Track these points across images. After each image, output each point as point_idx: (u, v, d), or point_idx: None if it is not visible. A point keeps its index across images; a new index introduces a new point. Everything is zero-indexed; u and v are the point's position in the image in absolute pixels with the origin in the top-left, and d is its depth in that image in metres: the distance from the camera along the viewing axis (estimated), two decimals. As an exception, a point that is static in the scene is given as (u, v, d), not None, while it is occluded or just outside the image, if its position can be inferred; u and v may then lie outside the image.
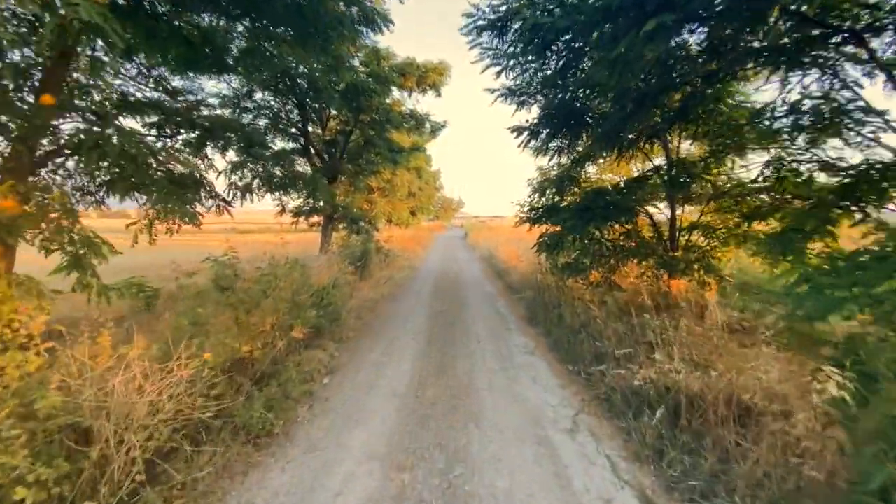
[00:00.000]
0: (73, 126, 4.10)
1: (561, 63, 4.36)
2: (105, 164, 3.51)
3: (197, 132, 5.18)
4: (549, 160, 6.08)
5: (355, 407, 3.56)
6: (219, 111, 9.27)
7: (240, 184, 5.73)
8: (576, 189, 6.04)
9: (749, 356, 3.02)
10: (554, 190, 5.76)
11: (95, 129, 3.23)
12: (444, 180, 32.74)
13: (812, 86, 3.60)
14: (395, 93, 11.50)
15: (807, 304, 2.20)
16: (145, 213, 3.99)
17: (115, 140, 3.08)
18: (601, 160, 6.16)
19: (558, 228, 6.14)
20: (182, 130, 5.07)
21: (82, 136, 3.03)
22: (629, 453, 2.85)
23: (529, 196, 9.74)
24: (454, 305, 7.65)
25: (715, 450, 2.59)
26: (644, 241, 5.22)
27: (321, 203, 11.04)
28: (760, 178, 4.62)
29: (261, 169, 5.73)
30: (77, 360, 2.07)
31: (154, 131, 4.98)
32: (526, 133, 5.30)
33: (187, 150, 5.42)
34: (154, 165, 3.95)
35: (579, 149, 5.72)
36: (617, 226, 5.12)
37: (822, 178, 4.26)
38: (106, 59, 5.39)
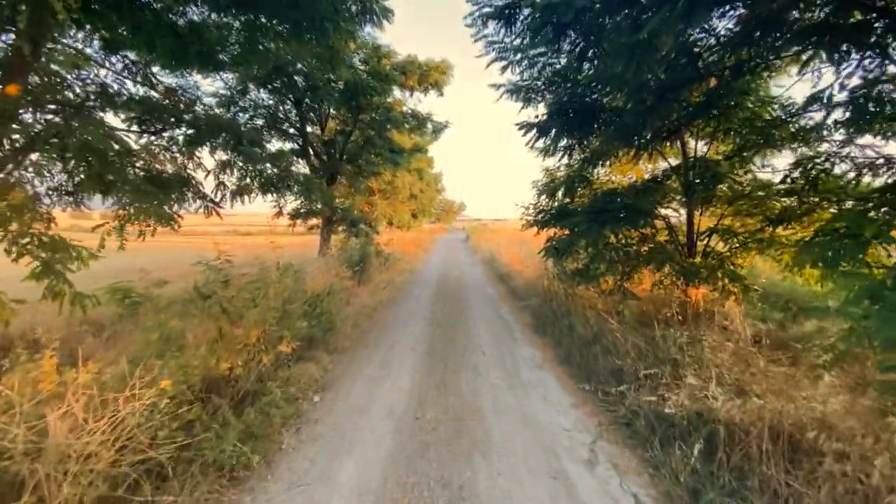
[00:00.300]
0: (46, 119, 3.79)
1: (576, 50, 4.01)
2: (71, 159, 3.17)
3: (183, 129, 4.84)
4: (559, 159, 5.73)
5: (347, 431, 3.20)
6: (216, 111, 9.00)
7: (229, 184, 5.39)
8: (587, 191, 5.68)
9: (798, 382, 2.66)
10: (564, 191, 5.39)
11: (57, 120, 2.90)
12: (446, 183, 32.56)
13: (853, 78, 3.25)
14: (397, 92, 11.20)
15: (879, 326, 1.84)
16: (114, 213, 3.65)
17: (77, 133, 2.75)
18: (613, 160, 5.81)
19: (567, 232, 5.80)
20: (166, 127, 4.73)
21: (42, 130, 2.69)
22: (659, 492, 2.48)
23: (535, 198, 9.45)
24: (456, 311, 7.29)
25: (762, 492, 2.22)
26: (660, 247, 4.86)
27: (319, 205, 10.74)
28: (788, 179, 4.29)
29: (251, 168, 5.39)
30: (3, 393, 1.72)
31: (136, 127, 4.65)
32: (534, 130, 4.95)
33: (175, 147, 5.09)
34: (130, 163, 3.61)
35: (590, 147, 5.37)
36: (634, 230, 4.76)
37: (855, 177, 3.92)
38: (88, 50, 5.06)
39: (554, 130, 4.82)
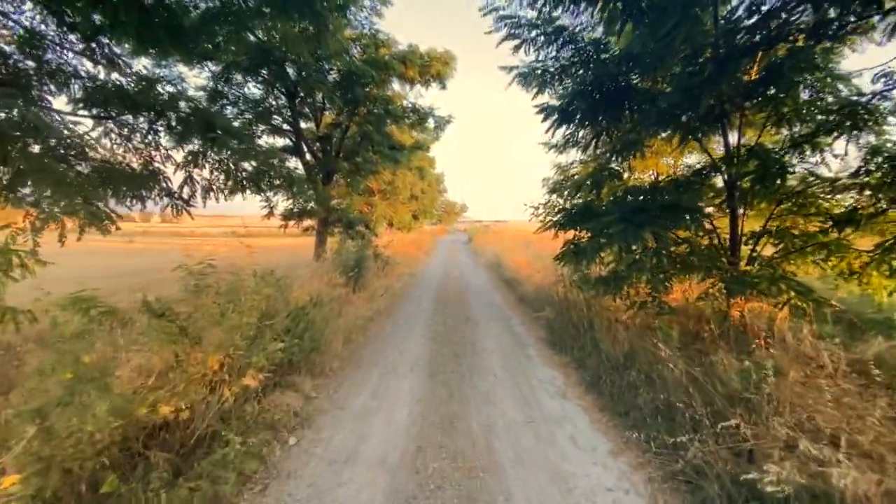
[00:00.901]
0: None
1: (607, 14, 3.29)
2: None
3: (143, 113, 4.14)
4: (583, 150, 5.01)
5: (327, 492, 2.47)
6: (203, 105, 8.32)
7: (199, 179, 4.68)
8: (617, 186, 4.96)
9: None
10: (589, 187, 4.67)
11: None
12: (448, 183, 31.75)
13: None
14: (396, 86, 10.50)
15: None
16: (25, 213, 2.94)
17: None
18: (646, 150, 5.06)
19: (587, 235, 5.08)
20: (125, 114, 4.03)
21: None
22: None
23: (546, 197, 8.70)
24: (460, 322, 6.56)
25: None
26: (706, 251, 4.14)
27: (312, 205, 10.04)
28: (861, 172, 3.58)
29: (227, 160, 4.68)
30: None
31: (88, 111, 3.95)
32: (555, 116, 4.23)
33: (137, 137, 4.39)
34: (65, 151, 2.90)
35: (619, 136, 4.66)
36: (675, 232, 4.04)
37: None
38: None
39: (579, 115, 4.10)
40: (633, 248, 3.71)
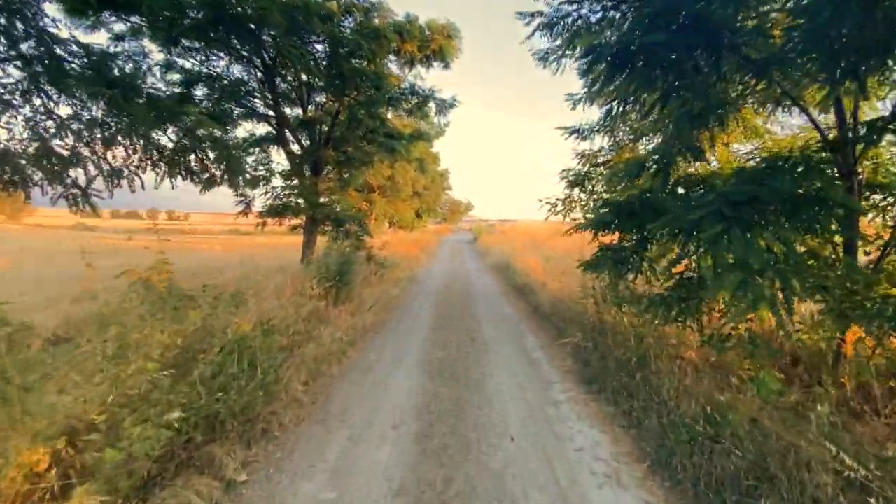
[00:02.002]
0: None
1: None
2: None
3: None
4: (646, 115, 3.68)
5: None
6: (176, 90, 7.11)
7: (111, 160, 3.44)
8: (689, 171, 3.63)
9: None
10: (655, 171, 3.29)
11: None
12: (453, 181, 30.34)
13: None
14: (394, 67, 9.23)
15: None
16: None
17: None
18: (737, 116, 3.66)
19: (634, 237, 3.79)
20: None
21: None
22: None
23: (565, 192, 7.40)
24: (464, 346, 5.26)
25: None
26: (827, 264, 2.81)
27: (297, 200, 8.79)
28: None
29: (133, 129, 3.39)
30: None
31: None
32: (603, 64, 2.89)
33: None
34: None
35: (698, 94, 3.31)
36: (807, 235, 2.69)
37: None
38: None
39: (642, 60, 2.74)
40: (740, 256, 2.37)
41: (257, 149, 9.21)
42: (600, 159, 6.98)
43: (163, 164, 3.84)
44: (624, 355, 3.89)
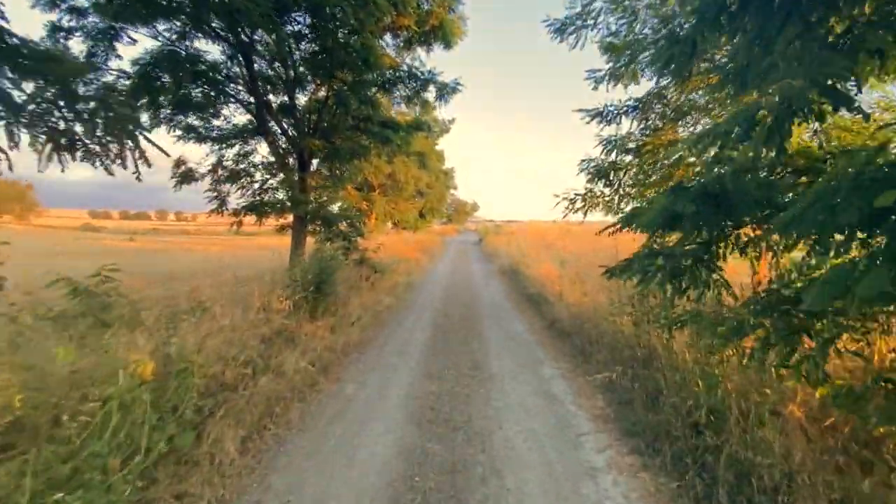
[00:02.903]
0: None
1: None
2: None
3: None
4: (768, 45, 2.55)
5: None
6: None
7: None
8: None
9: None
10: (759, 135, 2.19)
11: None
12: (457, 182, 29.12)
13: None
14: (391, 52, 8.23)
15: None
16: None
17: None
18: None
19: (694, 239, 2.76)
20: None
21: None
22: None
23: (586, 186, 6.34)
24: (465, 378, 4.20)
25: None
26: None
27: (276, 197, 7.82)
28: None
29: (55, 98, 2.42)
30: None
31: None
32: None
33: None
34: None
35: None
36: None
37: None
38: None
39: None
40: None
41: (238, 141, 8.24)
42: (630, 145, 5.88)
43: (67, 143, 2.84)
44: (686, 403, 2.81)
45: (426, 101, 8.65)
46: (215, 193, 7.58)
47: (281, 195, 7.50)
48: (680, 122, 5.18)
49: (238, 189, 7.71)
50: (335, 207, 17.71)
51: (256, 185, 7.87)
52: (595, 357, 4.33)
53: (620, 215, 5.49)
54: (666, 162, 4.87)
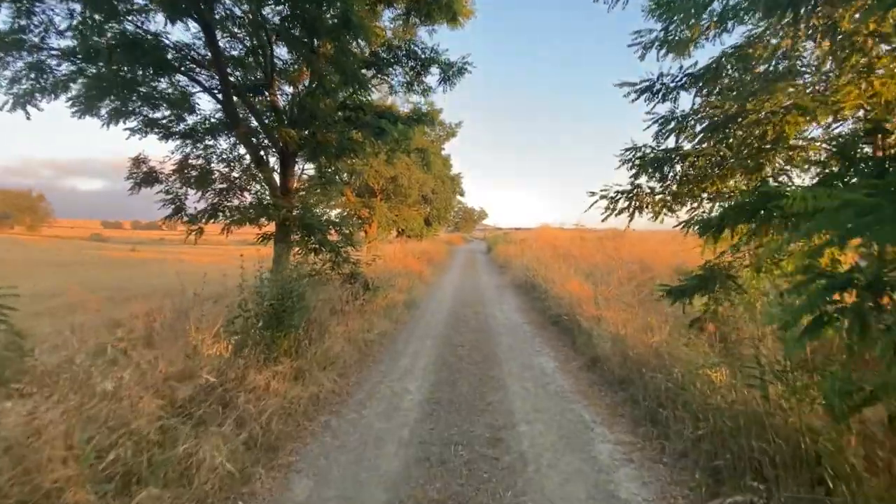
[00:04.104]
0: None
1: None
2: None
3: None
4: None
5: None
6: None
7: None
8: None
9: None
10: None
11: None
12: (464, 189, 27.40)
13: None
14: (386, 22, 6.98)
15: None
16: None
17: None
18: None
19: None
20: None
21: None
22: None
23: (630, 180, 4.94)
24: (480, 470, 2.77)
25: None
26: None
27: (249, 199, 6.53)
28: None
29: None
30: None
31: None
32: None
33: None
34: None
35: None
36: None
37: None
38: None
39: None
40: None
41: (206, 135, 6.97)
42: (697, 127, 4.44)
43: None
44: None
45: (428, 87, 7.32)
46: (170, 196, 6.28)
47: (249, 198, 6.18)
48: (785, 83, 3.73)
49: (206, 192, 6.42)
50: (332, 213, 16.45)
51: (223, 186, 6.56)
52: (675, 429, 2.86)
53: (698, 216, 4.04)
54: (765, 142, 3.42)
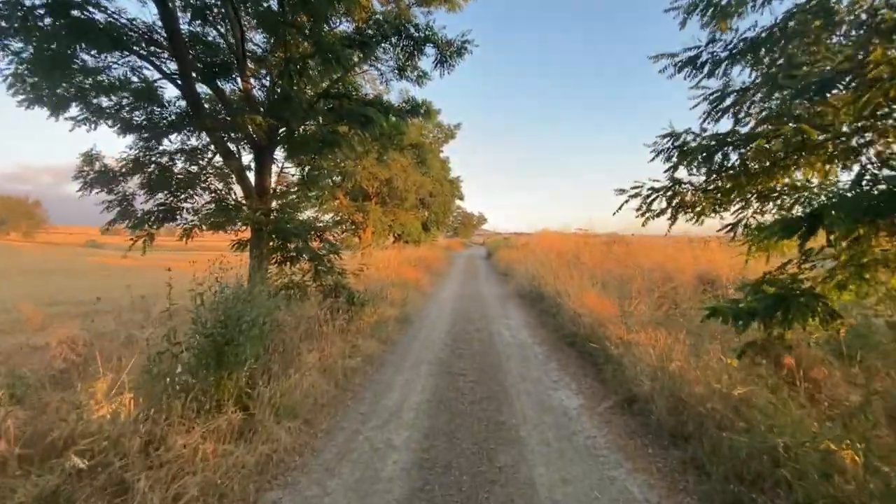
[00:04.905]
0: None
1: None
2: None
3: None
4: None
5: None
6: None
7: None
8: None
9: None
10: None
11: None
12: (463, 193, 26.34)
13: None
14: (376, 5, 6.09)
15: None
16: None
17: None
18: None
19: None
20: None
21: None
22: None
23: (669, 172, 3.98)
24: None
25: None
26: None
27: (205, 198, 5.59)
28: None
29: None
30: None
31: None
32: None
33: None
34: None
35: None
36: None
37: None
38: None
39: None
40: None
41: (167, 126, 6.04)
42: (753, 108, 3.53)
43: None
44: None
45: (423, 73, 6.41)
46: (114, 197, 5.34)
47: (207, 197, 5.25)
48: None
49: (160, 193, 5.47)
50: (325, 217, 15.48)
51: (185, 186, 5.60)
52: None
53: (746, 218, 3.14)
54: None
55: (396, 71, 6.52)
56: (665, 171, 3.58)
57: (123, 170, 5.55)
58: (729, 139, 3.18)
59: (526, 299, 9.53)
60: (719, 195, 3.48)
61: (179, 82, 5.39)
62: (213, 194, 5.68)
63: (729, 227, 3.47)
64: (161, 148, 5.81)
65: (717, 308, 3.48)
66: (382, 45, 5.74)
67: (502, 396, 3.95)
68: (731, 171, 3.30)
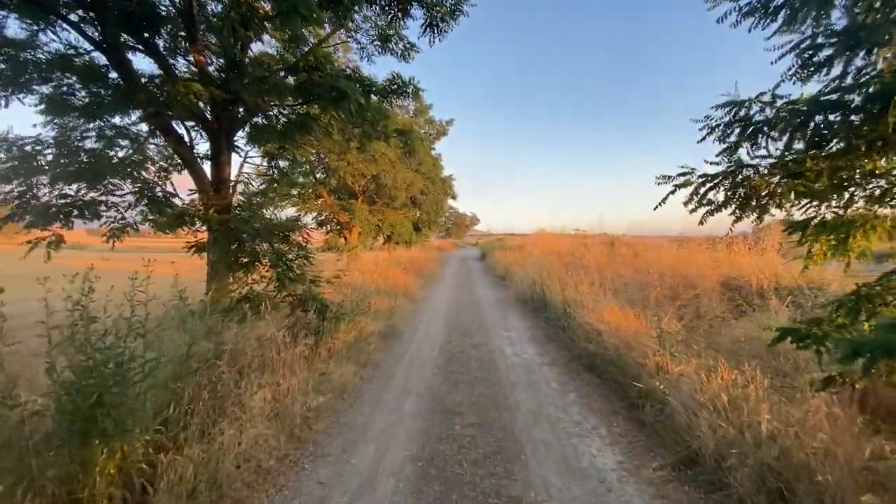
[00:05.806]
0: None
1: None
2: None
3: None
4: None
5: None
6: None
7: None
8: None
9: None
10: None
11: None
12: (455, 193, 25.29)
13: None
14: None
15: None
16: None
17: None
18: None
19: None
20: None
21: None
22: None
23: (726, 154, 2.87)
24: None
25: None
26: None
27: (129, 187, 4.52)
28: None
29: None
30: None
31: None
32: None
33: None
34: None
35: None
36: None
37: None
38: None
39: None
40: None
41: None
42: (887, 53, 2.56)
43: None
44: None
45: (411, 45, 5.40)
46: (13, 189, 4.23)
47: (128, 186, 4.18)
48: None
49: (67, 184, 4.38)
50: (309, 218, 14.31)
51: (115, 176, 4.50)
52: None
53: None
54: None
55: (378, 42, 5.53)
56: (719, 154, 2.66)
57: (35, 153, 4.45)
58: (845, 97, 2.22)
59: (527, 306, 8.57)
60: (799, 182, 2.55)
61: (105, 46, 4.32)
62: (139, 184, 4.59)
63: (796, 227, 2.64)
64: (84, 128, 4.72)
65: (793, 331, 2.59)
66: (359, 4, 4.70)
67: (512, 449, 2.96)
68: (843, 146, 2.35)
